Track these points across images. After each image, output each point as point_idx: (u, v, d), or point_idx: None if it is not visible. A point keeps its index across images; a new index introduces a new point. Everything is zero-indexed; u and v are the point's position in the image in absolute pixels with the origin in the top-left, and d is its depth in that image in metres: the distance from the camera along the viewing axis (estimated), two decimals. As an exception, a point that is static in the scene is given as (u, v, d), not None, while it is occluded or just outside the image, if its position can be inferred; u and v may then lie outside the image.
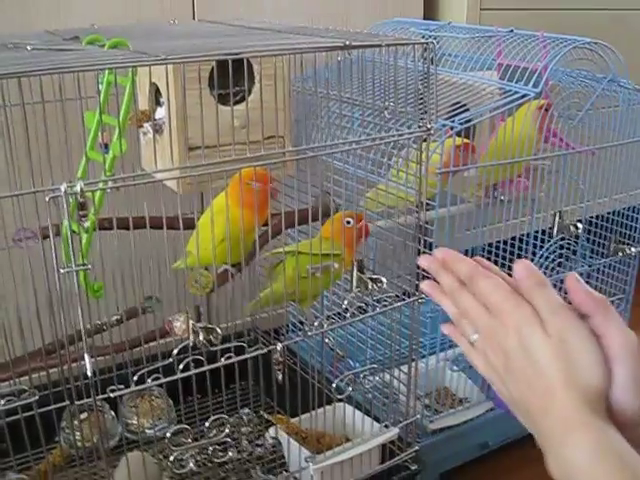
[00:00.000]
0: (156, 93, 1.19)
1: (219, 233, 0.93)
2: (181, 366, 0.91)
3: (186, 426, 1.00)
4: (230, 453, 1.13)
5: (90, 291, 0.98)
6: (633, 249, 1.35)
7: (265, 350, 0.96)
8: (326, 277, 1.00)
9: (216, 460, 1.13)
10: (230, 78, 0.90)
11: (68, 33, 1.12)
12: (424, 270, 0.74)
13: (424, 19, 1.64)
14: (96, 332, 1.10)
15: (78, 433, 1.18)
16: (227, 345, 0.93)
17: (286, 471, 1.16)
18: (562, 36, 1.21)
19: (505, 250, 1.46)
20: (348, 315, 1.02)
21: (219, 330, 0.91)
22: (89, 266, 0.82)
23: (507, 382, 0.66)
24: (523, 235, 1.42)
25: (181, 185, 1.10)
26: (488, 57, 1.29)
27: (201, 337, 0.90)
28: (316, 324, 0.99)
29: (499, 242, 1.48)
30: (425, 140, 1.00)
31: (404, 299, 1.06)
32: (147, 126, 1.18)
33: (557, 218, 1.25)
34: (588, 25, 1.83)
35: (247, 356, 0.95)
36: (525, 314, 0.64)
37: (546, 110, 1.18)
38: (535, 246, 1.42)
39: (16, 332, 0.91)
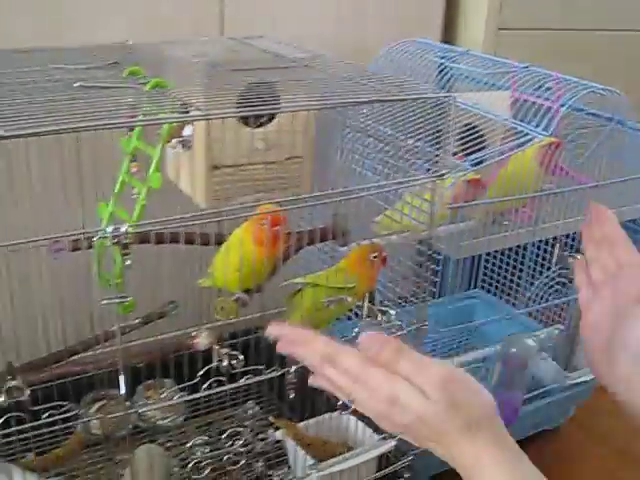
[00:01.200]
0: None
1: (234, 264, 1.02)
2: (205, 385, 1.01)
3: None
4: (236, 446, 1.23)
5: (121, 309, 1.05)
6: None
7: (280, 372, 1.05)
8: (340, 308, 1.08)
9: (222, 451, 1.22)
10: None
11: (105, 52, 1.19)
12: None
13: (442, 38, 1.69)
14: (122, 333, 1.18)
15: (95, 421, 1.27)
16: (247, 368, 1.02)
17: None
18: (575, 79, 1.27)
19: (508, 263, 1.54)
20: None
21: (241, 357, 0.99)
22: (129, 298, 0.90)
23: (406, 437, 0.71)
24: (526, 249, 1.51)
25: (207, 199, 1.18)
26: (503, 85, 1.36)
27: (225, 363, 0.99)
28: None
29: (502, 255, 1.56)
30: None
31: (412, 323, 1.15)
32: (175, 142, 1.24)
33: (557, 250, 1.33)
34: (601, 46, 1.89)
35: (263, 377, 1.04)
36: (398, 386, 0.67)
37: (556, 147, 1.24)
38: (536, 262, 1.50)
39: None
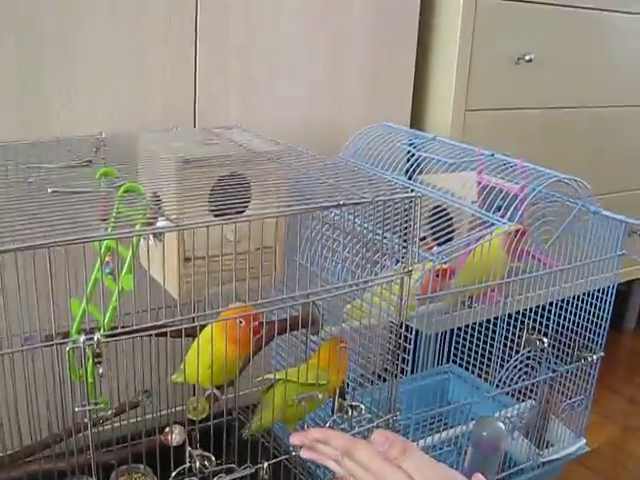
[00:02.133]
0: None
1: (206, 361, 1.03)
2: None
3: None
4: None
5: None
6: (595, 356, 1.46)
7: (253, 469, 1.06)
8: (311, 404, 1.09)
9: None
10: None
11: (80, 147, 1.22)
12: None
13: (411, 120, 1.74)
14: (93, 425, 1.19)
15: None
16: (219, 467, 1.02)
17: None
18: (540, 168, 1.31)
19: (479, 339, 1.56)
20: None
21: (213, 458, 1.00)
22: (101, 405, 0.92)
23: None
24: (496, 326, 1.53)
25: (180, 290, 1.20)
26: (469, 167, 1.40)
27: (197, 464, 1.00)
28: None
29: (473, 330, 1.59)
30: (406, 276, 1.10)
31: (381, 416, 1.16)
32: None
33: (525, 333, 1.36)
34: (567, 122, 1.95)
35: (236, 475, 1.05)
36: (401, 478, 0.78)
37: (522, 235, 1.27)
38: (506, 338, 1.52)
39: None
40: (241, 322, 1.02)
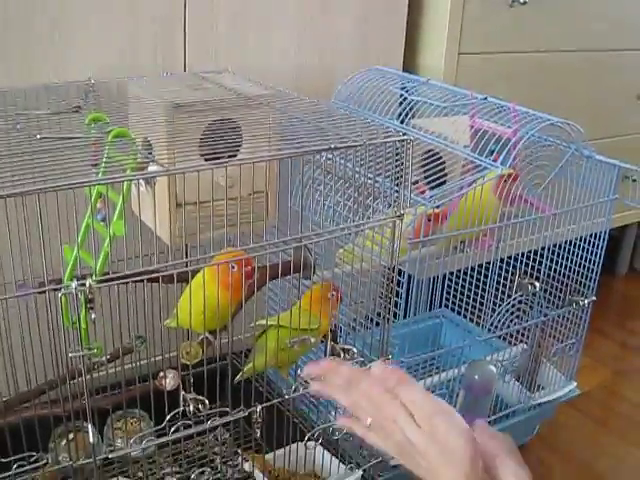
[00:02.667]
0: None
1: (199, 306, 1.03)
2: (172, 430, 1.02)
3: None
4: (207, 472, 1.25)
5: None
6: (586, 300, 1.47)
7: (246, 413, 1.07)
8: (303, 348, 1.10)
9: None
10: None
11: (69, 92, 1.20)
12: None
13: (404, 63, 1.72)
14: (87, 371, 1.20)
15: (65, 454, 1.28)
16: (213, 411, 1.03)
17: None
18: (533, 112, 1.30)
19: (471, 283, 1.57)
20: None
21: (207, 402, 1.01)
22: (94, 350, 0.92)
23: (401, 459, 0.84)
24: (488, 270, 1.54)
25: (171, 236, 1.20)
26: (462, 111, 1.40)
27: (191, 407, 1.01)
28: (293, 387, 1.10)
29: (466, 274, 1.59)
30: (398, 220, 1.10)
31: (373, 360, 1.17)
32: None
33: (517, 277, 1.37)
34: (563, 65, 1.93)
35: (230, 419, 1.06)
36: (396, 409, 0.82)
37: (513, 179, 1.27)
38: (498, 283, 1.53)
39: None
40: (233, 267, 1.02)
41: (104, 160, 1.04)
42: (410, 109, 1.46)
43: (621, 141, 2.18)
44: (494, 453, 0.82)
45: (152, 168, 1.26)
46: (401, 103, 1.46)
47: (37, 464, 0.97)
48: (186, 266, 0.97)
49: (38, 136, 0.97)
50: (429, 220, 1.21)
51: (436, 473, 0.79)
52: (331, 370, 0.92)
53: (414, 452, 0.81)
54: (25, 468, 0.95)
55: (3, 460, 0.95)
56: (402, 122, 1.46)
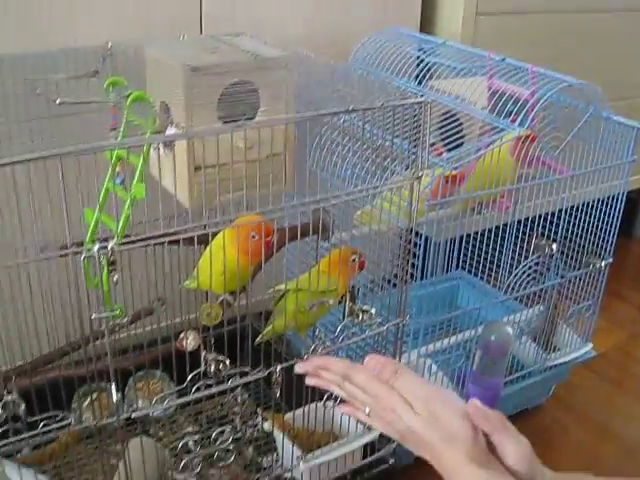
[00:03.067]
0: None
1: (218, 268, 1.04)
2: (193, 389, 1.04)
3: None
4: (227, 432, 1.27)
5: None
6: (603, 262, 1.47)
7: (266, 373, 1.08)
8: (322, 309, 1.11)
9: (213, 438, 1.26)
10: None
11: (86, 57, 1.20)
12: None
13: (421, 24, 1.70)
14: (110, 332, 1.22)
15: (88, 414, 1.31)
16: (234, 371, 1.05)
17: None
18: (551, 73, 1.30)
19: (489, 245, 1.57)
20: (340, 339, 1.13)
21: (227, 362, 1.03)
22: (116, 312, 0.94)
23: (405, 444, 0.87)
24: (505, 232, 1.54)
25: (190, 199, 1.21)
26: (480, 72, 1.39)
27: (212, 368, 1.02)
28: (312, 348, 1.12)
29: (483, 236, 1.59)
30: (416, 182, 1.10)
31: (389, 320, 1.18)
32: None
33: (534, 239, 1.37)
34: (582, 25, 1.91)
35: (250, 379, 1.07)
36: (394, 399, 0.85)
37: (531, 141, 1.27)
38: (515, 245, 1.53)
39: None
40: (254, 237, 1.02)
41: (123, 124, 1.06)
42: (427, 70, 1.45)
43: (636, 103, 2.16)
44: (491, 431, 0.82)
45: (171, 131, 1.28)
46: (418, 64, 1.46)
47: (62, 423, 0.99)
48: (205, 228, 0.98)
49: (57, 101, 0.98)
50: (446, 182, 1.21)
51: (440, 456, 0.81)
52: (323, 366, 0.95)
53: (416, 438, 0.83)
54: (51, 427, 0.97)
55: (30, 420, 0.97)
56: (419, 84, 1.45)
